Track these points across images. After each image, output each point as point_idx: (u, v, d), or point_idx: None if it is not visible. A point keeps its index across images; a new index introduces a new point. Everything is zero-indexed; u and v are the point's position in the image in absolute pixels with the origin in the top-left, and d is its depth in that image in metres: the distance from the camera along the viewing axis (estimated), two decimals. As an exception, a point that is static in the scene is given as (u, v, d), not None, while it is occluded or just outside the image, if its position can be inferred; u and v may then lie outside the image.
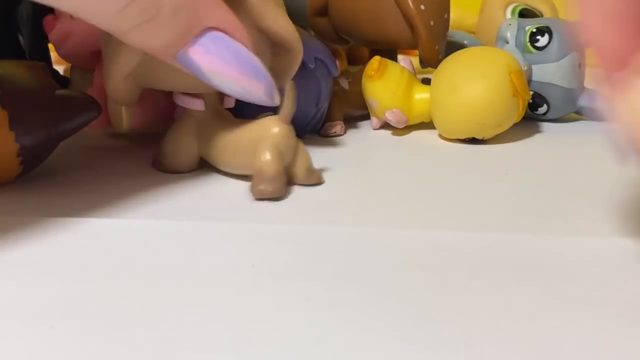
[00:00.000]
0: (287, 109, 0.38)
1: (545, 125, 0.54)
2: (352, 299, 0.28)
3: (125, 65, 0.38)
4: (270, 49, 0.41)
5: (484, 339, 0.25)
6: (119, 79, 0.39)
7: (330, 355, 0.24)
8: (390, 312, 0.27)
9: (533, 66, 0.53)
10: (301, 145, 0.40)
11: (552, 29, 0.53)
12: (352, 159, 0.46)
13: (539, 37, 0.53)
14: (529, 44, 0.53)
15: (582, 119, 0.56)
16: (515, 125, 0.50)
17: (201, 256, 0.32)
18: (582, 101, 0.54)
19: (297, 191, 0.39)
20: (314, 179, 0.40)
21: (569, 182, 0.42)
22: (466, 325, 0.26)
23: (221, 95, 0.42)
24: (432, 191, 0.41)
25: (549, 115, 0.54)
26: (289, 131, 0.39)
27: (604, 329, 0.26)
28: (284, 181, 0.39)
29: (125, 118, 0.44)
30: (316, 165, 0.42)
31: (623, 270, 0.31)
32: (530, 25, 0.54)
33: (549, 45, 0.53)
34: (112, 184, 0.41)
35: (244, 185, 0.40)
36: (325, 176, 0.42)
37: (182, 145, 0.42)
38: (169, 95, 0.43)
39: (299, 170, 0.40)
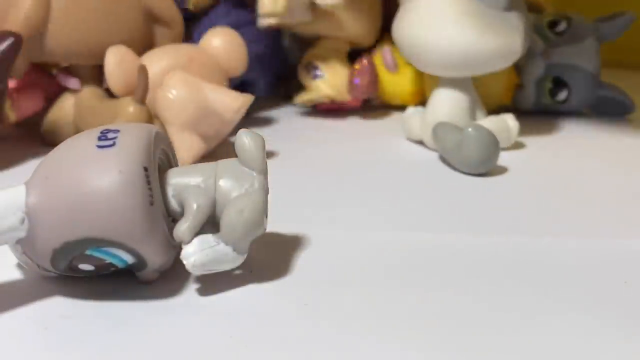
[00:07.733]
0: (141, 89, 0.38)
1: (547, 126, 0.52)
2: (351, 303, 0.27)
3: (33, 13, 0.40)
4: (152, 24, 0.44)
5: (484, 343, 0.24)
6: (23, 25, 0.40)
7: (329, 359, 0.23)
8: (389, 315, 0.26)
9: (554, 49, 0.51)
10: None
11: (571, 16, 0.53)
12: (349, 160, 0.44)
13: (558, 23, 0.52)
14: (547, 29, 0.52)
15: (587, 116, 0.54)
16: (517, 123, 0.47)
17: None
18: (602, 92, 0.53)
19: (294, 192, 0.38)
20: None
21: (570, 183, 0.41)
22: (466, 330, 0.25)
23: (100, 76, 0.43)
24: (431, 193, 0.39)
25: (571, 102, 0.52)
26: (142, 111, 0.39)
27: (604, 330, 0.25)
28: None
29: (9, 112, 0.44)
30: (315, 163, 0.41)
31: (623, 270, 0.30)
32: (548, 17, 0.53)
33: (570, 29, 0.52)
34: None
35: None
36: (322, 178, 0.41)
37: (60, 121, 0.44)
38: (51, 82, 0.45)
39: None
